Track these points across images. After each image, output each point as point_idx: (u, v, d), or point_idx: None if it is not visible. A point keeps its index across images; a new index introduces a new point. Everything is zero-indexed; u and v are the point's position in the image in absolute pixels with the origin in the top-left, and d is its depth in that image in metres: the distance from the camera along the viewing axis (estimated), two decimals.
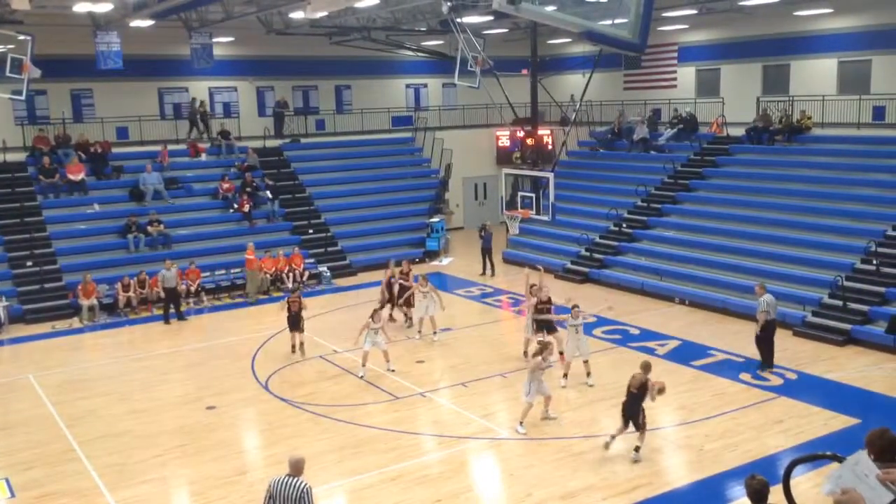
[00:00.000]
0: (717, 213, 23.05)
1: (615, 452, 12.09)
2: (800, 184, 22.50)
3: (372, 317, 15.75)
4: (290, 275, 23.24)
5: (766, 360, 15.46)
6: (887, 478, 3.96)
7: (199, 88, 29.09)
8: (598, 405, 14.00)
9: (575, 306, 15.05)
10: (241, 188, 25.81)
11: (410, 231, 27.65)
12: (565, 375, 14.94)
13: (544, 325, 16.05)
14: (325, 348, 17.70)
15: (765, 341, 15.45)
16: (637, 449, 11.75)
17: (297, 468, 8.04)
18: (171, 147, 26.69)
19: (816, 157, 23.45)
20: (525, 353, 16.62)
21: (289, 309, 17.04)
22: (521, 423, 12.90)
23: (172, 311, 20.34)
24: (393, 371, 15.80)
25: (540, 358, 12.85)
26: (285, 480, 7.94)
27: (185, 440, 12.97)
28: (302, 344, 17.17)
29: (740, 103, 26.68)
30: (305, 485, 7.90)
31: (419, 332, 18.29)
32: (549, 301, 16.02)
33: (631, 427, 11.75)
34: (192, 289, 21.72)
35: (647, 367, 11.80)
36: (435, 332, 17.98)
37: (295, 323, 17.08)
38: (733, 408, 13.62)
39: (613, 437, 11.92)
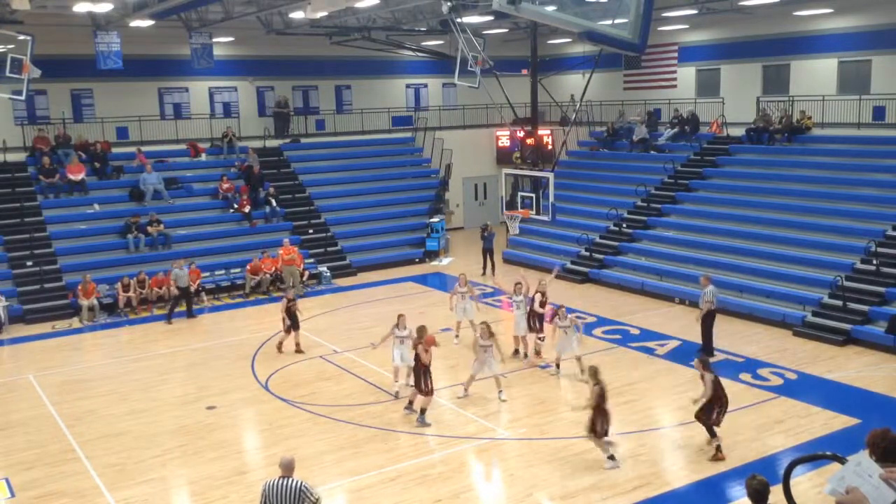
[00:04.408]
0: (716, 213, 23.05)
1: (615, 452, 12.09)
2: (800, 184, 22.50)
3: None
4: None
5: (707, 348, 16.19)
6: (892, 476, 3.96)
7: (199, 88, 29.11)
8: None
9: (562, 307, 15.52)
10: (245, 181, 25.89)
11: (410, 231, 27.64)
12: (558, 365, 15.60)
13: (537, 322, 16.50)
14: (325, 348, 17.69)
15: (708, 329, 16.30)
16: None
17: (289, 469, 8.06)
18: (170, 147, 26.83)
19: (816, 157, 23.45)
20: (524, 352, 16.62)
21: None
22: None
23: (182, 309, 20.59)
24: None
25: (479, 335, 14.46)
26: (279, 483, 7.95)
27: (185, 440, 12.97)
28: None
29: (740, 103, 26.69)
30: (300, 483, 7.93)
31: (456, 336, 17.78)
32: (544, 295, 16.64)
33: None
34: (193, 289, 21.71)
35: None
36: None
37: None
38: (733, 408, 13.54)
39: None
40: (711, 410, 11.80)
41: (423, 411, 13.26)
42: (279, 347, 17.24)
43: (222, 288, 22.84)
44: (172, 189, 25.40)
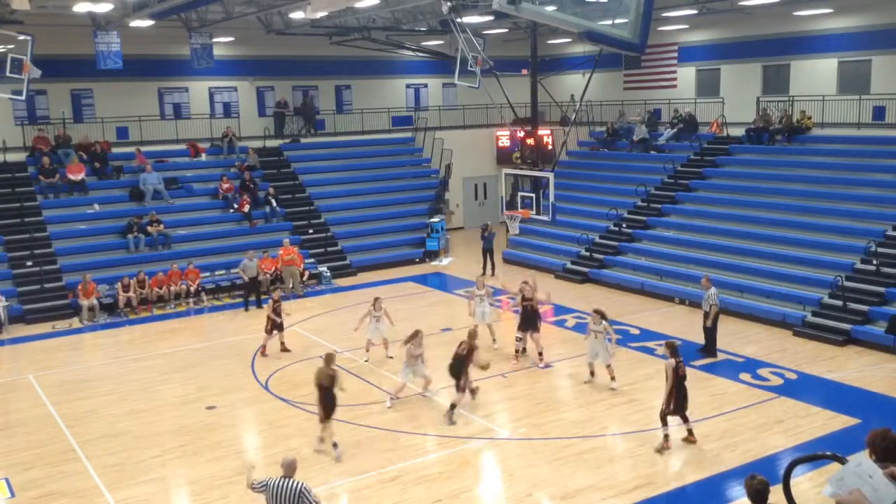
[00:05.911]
0: (716, 213, 23.05)
1: (615, 452, 12.10)
2: (800, 184, 22.50)
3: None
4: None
5: (711, 349, 16.36)
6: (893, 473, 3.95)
7: (199, 88, 29.12)
8: (598, 405, 14.00)
9: (596, 311, 14.82)
10: (240, 187, 25.84)
11: (410, 231, 27.64)
12: (592, 374, 14.99)
13: (529, 325, 16.06)
14: (324, 348, 17.66)
15: (712, 331, 16.37)
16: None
17: (290, 469, 8.12)
18: (170, 147, 26.86)
19: (816, 157, 23.46)
20: (515, 353, 16.53)
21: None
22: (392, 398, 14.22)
23: (254, 298, 21.24)
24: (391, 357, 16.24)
25: (411, 345, 13.93)
26: (281, 483, 8.00)
27: (185, 440, 12.98)
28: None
29: (740, 103, 26.68)
30: (301, 484, 7.97)
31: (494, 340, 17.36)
32: (532, 299, 16.04)
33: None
34: (192, 289, 21.72)
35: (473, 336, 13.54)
36: (494, 341, 17.34)
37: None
38: (733, 408, 13.63)
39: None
40: (668, 399, 11.92)
41: (453, 406, 13.33)
42: (263, 351, 17.27)
43: (222, 288, 22.82)
44: (172, 189, 25.39)
